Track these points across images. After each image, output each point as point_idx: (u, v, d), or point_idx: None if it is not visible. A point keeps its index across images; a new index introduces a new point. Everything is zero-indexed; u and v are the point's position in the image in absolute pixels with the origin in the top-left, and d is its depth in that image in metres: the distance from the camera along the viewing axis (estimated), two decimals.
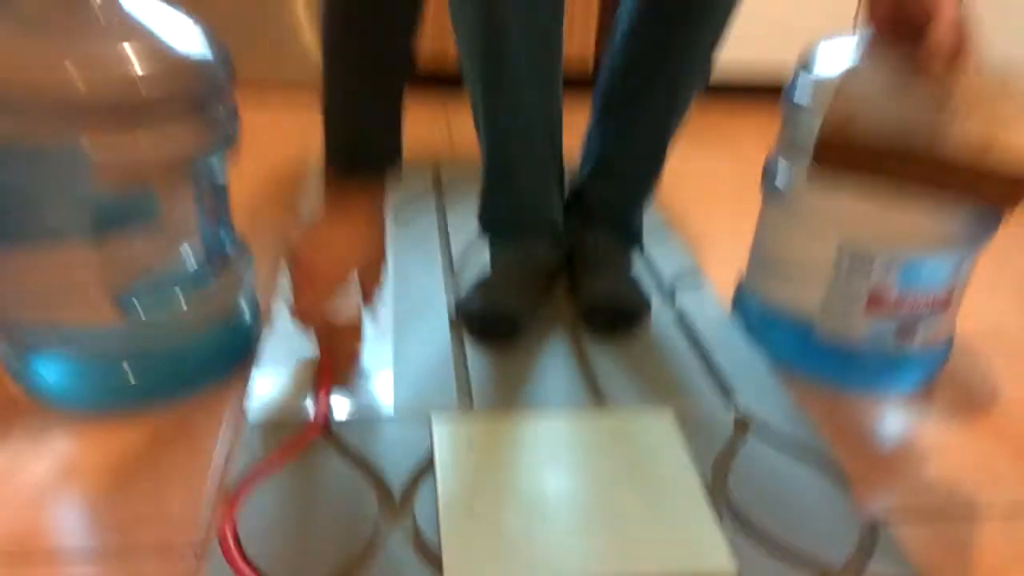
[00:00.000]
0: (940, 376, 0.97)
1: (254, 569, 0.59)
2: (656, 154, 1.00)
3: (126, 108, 0.69)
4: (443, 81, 1.89)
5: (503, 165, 0.96)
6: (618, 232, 1.04)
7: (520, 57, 0.85)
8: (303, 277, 0.77)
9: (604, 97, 0.99)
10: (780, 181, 0.91)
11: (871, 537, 0.68)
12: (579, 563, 0.62)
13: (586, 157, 1.04)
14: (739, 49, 1.96)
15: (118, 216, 0.74)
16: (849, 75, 0.74)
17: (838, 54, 0.84)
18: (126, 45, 0.69)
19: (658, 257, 1.15)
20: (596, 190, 1.03)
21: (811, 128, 0.80)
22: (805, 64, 0.87)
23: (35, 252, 0.73)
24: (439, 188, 1.36)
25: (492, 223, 1.03)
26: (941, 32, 0.64)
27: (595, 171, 1.02)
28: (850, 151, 0.68)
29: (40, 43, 0.68)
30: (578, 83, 1.38)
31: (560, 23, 0.89)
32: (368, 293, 0.82)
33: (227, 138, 0.80)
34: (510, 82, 0.87)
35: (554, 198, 1.02)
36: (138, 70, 0.69)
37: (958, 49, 0.66)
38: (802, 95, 0.86)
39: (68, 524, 0.66)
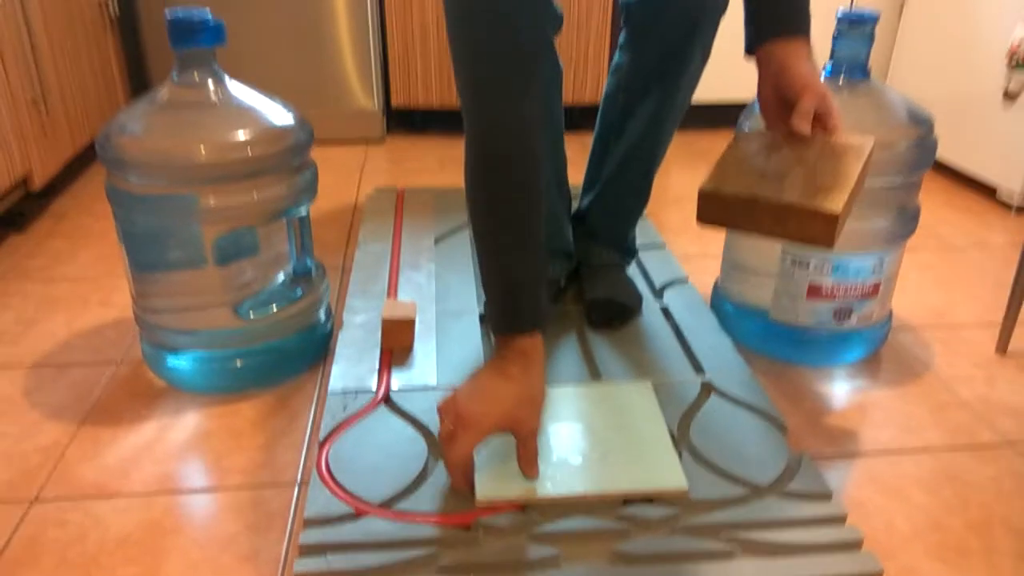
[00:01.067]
0: (881, 352, 1.18)
1: (342, 488, 0.85)
2: (644, 185, 1.23)
3: (234, 169, 0.96)
4: None
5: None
6: (616, 247, 1.28)
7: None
8: (458, 425, 0.79)
9: (600, 140, 1.24)
10: None
11: (796, 465, 0.90)
12: (571, 481, 0.86)
13: (587, 188, 1.28)
14: (720, 79, 2.21)
15: (234, 249, 1.01)
16: (730, 144, 0.86)
17: None
18: (233, 120, 0.97)
19: (651, 266, 1.38)
20: (596, 215, 1.27)
21: None
22: (747, 114, 1.11)
23: (174, 276, 1.01)
24: None
25: None
26: (806, 101, 0.83)
27: (595, 200, 1.27)
28: (721, 206, 0.78)
29: (171, 120, 0.96)
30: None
31: (560, 89, 1.15)
32: (526, 455, 0.83)
33: (310, 189, 1.07)
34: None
35: (564, 225, 1.26)
36: (242, 139, 0.96)
37: (822, 115, 0.84)
38: None
39: (204, 471, 0.93)
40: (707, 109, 2.24)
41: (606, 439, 0.92)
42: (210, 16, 0.96)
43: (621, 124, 1.19)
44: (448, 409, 0.81)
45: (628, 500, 0.84)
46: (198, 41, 0.96)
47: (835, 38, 1.05)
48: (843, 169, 0.79)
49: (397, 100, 2.15)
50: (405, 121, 2.27)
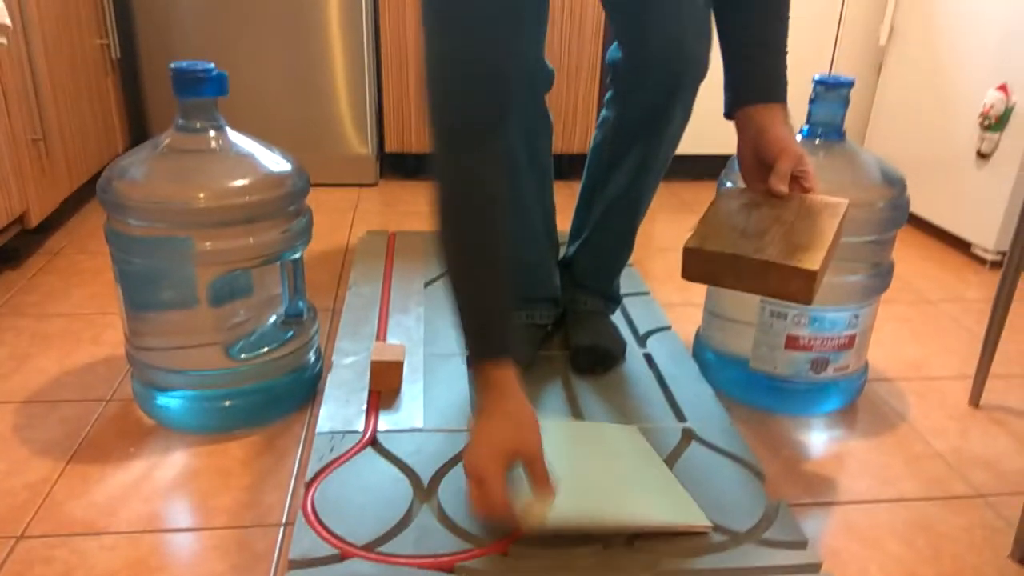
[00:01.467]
0: (857, 402, 1.21)
1: (327, 529, 0.86)
2: (628, 234, 1.27)
3: (232, 214, 0.99)
4: None
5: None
6: (601, 294, 1.32)
7: (524, 168, 1.15)
8: (474, 483, 0.80)
9: (586, 190, 1.28)
10: None
11: (773, 513, 0.92)
12: (593, 514, 0.86)
13: (573, 236, 1.32)
14: (705, 133, 2.28)
15: (227, 291, 1.04)
16: (713, 202, 0.91)
17: None
18: (232, 167, 1.00)
19: (636, 314, 1.42)
20: (582, 263, 1.31)
21: None
22: (728, 171, 1.16)
23: (168, 315, 1.03)
24: None
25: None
26: (783, 163, 0.88)
27: (580, 248, 1.30)
28: (704, 262, 0.81)
29: (172, 166, 0.99)
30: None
31: (550, 139, 1.19)
32: (537, 476, 0.82)
33: (304, 234, 1.10)
34: (515, 186, 1.17)
35: (551, 272, 1.29)
36: (240, 185, 0.99)
37: (799, 176, 0.89)
38: None
39: (191, 510, 0.94)
40: (692, 161, 2.30)
41: (607, 473, 0.94)
42: (214, 68, 1.00)
43: (606, 175, 1.23)
44: (466, 472, 0.83)
45: (640, 535, 0.86)
46: (201, 91, 0.99)
47: (812, 101, 1.10)
48: (819, 228, 0.83)
49: (391, 145, 2.20)
50: (398, 165, 2.31)
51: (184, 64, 0.99)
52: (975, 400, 1.23)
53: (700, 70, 1.10)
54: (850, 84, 1.07)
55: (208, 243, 0.99)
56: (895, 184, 1.09)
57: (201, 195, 0.97)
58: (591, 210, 1.27)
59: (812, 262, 0.77)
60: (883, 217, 1.07)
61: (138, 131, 2.13)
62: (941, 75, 1.87)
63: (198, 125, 1.01)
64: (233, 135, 1.04)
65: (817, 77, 1.09)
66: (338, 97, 2.09)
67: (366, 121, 2.12)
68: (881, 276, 1.12)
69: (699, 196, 2.21)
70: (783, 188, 0.87)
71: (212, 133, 1.02)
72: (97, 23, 1.88)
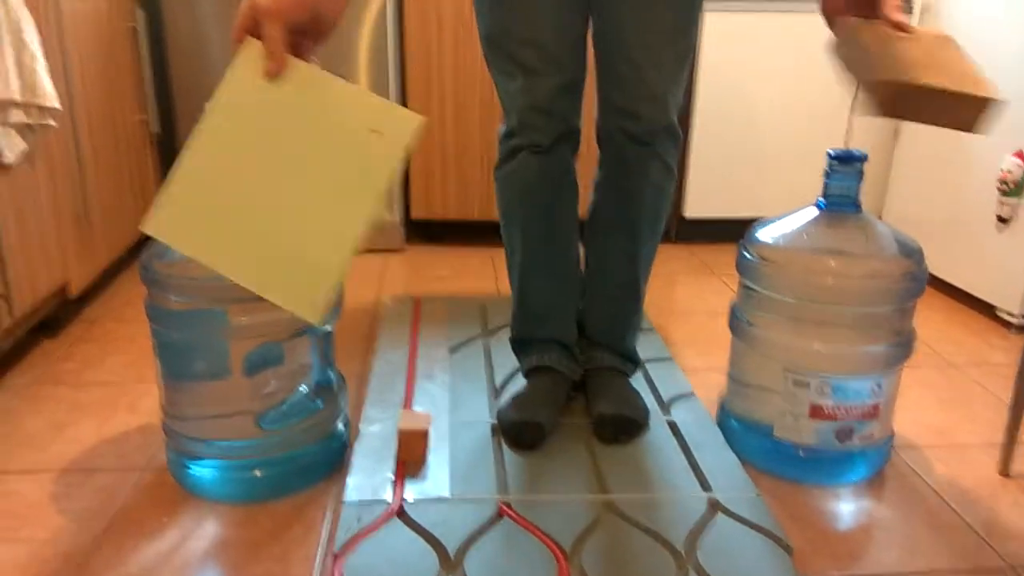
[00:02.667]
0: (884, 471, 1.21)
1: None
2: (631, 289, 1.29)
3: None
4: (491, 233, 2.27)
5: (527, 298, 1.29)
6: (615, 354, 1.33)
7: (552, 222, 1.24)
8: (258, 15, 0.79)
9: (587, 246, 1.32)
10: (740, 322, 1.20)
11: None
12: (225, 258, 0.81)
13: (582, 294, 1.34)
14: (723, 195, 2.32)
15: (260, 361, 1.07)
16: (853, 34, 0.90)
17: (772, 233, 1.16)
18: None
19: (659, 379, 1.43)
20: (591, 319, 1.33)
21: (753, 289, 1.11)
22: (747, 241, 1.18)
23: (203, 385, 1.07)
24: (486, 327, 1.68)
25: (519, 338, 1.34)
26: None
27: (588, 304, 1.33)
28: (892, 95, 0.85)
29: None
30: None
31: (575, 202, 1.26)
32: (273, 46, 0.79)
33: (336, 307, 1.13)
34: (538, 239, 1.23)
35: (567, 315, 1.32)
36: None
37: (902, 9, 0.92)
38: (744, 268, 1.17)
39: None
40: (712, 224, 2.33)
41: (302, 195, 0.81)
42: None
43: (602, 230, 1.28)
44: (246, 7, 0.79)
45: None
46: None
47: (827, 175, 1.13)
48: (962, 60, 0.87)
49: (417, 212, 2.26)
50: (423, 231, 2.37)
51: None
52: (1004, 469, 1.22)
53: (662, 133, 1.19)
54: (863, 158, 1.10)
55: (243, 317, 1.02)
56: (913, 255, 1.10)
57: None
58: (589, 268, 1.32)
59: (990, 91, 0.84)
60: (902, 288, 1.08)
61: None
62: (958, 140, 1.90)
63: None
64: None
65: (831, 152, 1.12)
66: None
67: (393, 189, 2.18)
68: (903, 345, 1.12)
69: (719, 259, 2.23)
70: (902, 16, 0.90)
71: None
72: (138, 100, 1.97)
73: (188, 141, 0.81)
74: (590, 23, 1.18)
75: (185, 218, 0.80)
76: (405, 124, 0.80)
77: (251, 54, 0.80)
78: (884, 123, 2.25)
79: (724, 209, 2.31)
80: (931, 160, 2.01)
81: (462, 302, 1.83)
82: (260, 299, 1.02)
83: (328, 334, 1.16)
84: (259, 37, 0.80)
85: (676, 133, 1.21)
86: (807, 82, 2.20)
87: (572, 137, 1.23)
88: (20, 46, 1.32)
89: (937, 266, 1.96)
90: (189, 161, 0.81)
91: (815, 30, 2.19)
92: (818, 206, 1.15)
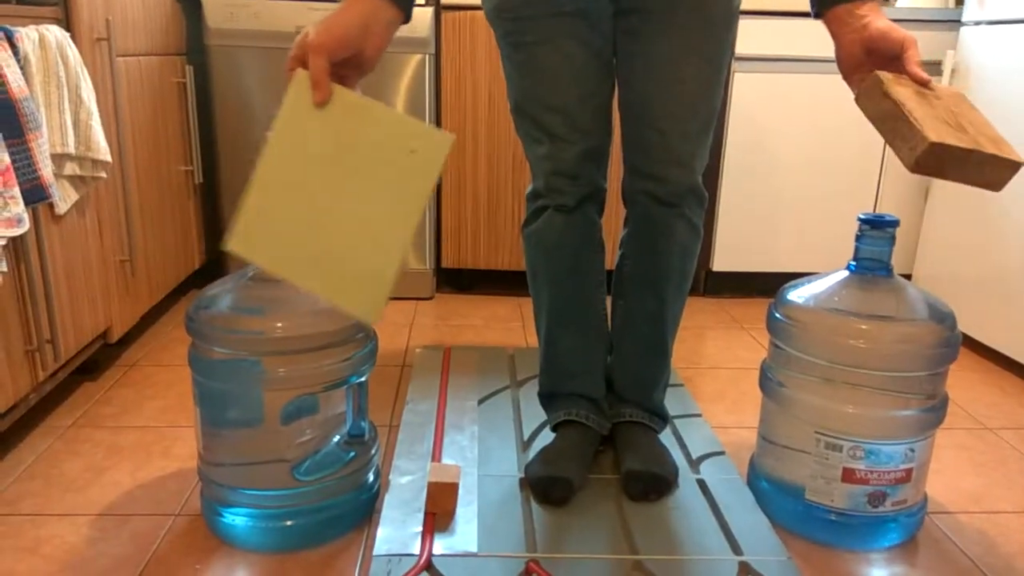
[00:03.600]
0: (918, 537, 1.19)
1: None
2: (657, 346, 1.30)
3: (304, 343, 1.06)
4: (520, 282, 2.29)
5: (554, 353, 1.31)
6: (643, 410, 1.34)
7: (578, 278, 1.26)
8: (306, 50, 0.88)
9: (614, 305, 1.33)
10: (770, 382, 1.20)
11: None
12: (286, 262, 0.89)
13: (609, 350, 1.36)
14: (749, 249, 2.33)
15: (296, 411, 1.09)
16: (892, 93, 0.92)
17: (802, 294, 1.16)
18: (306, 297, 1.08)
19: (688, 436, 1.43)
20: (618, 375, 1.34)
21: (784, 350, 1.12)
22: (778, 302, 1.19)
23: (241, 433, 1.09)
24: (514, 377, 1.69)
25: (547, 393, 1.35)
26: (914, 50, 0.92)
27: (615, 360, 1.34)
28: (939, 156, 0.88)
29: (253, 297, 1.07)
30: None
31: (602, 250, 1.30)
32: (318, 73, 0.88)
33: (370, 358, 1.16)
34: (565, 296, 1.25)
35: (595, 369, 1.32)
36: (312, 315, 1.06)
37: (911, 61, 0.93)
38: (774, 329, 1.18)
39: None
40: (739, 277, 2.34)
41: (348, 210, 0.90)
42: None
43: (628, 288, 1.30)
44: (298, 43, 0.89)
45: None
46: None
47: (858, 238, 1.14)
48: (982, 119, 0.93)
49: (447, 262, 2.30)
50: (453, 280, 2.40)
51: None
52: None
53: (688, 194, 1.21)
54: (895, 223, 1.11)
55: (281, 370, 1.05)
56: (945, 320, 1.10)
57: (278, 325, 1.04)
58: (620, 323, 1.33)
59: (1015, 154, 0.89)
60: (935, 353, 1.08)
61: (213, 248, 2.27)
62: (989, 198, 1.90)
63: None
64: None
65: (863, 216, 1.13)
66: None
67: (425, 239, 2.23)
68: (936, 410, 1.12)
69: (748, 312, 2.23)
70: (926, 75, 0.92)
71: None
72: (184, 151, 2.04)
73: (256, 167, 0.89)
74: (615, 89, 1.22)
75: (259, 235, 0.89)
76: (440, 143, 0.89)
77: (302, 84, 0.89)
78: (914, 182, 2.26)
79: (752, 263, 2.32)
80: (961, 219, 2.01)
81: (491, 352, 1.84)
82: (297, 351, 1.06)
83: (362, 384, 1.18)
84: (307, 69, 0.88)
85: (702, 194, 1.23)
86: (837, 140, 2.22)
87: (598, 197, 1.26)
88: (78, 102, 1.38)
89: (970, 326, 1.95)
90: (258, 184, 0.89)
91: (846, 90, 2.22)
92: (849, 269, 1.16)
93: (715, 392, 1.71)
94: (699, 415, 1.53)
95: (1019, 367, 1.84)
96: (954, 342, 1.10)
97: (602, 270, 1.30)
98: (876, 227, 1.12)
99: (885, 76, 0.93)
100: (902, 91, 0.92)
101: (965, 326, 1.99)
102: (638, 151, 1.20)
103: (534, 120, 1.20)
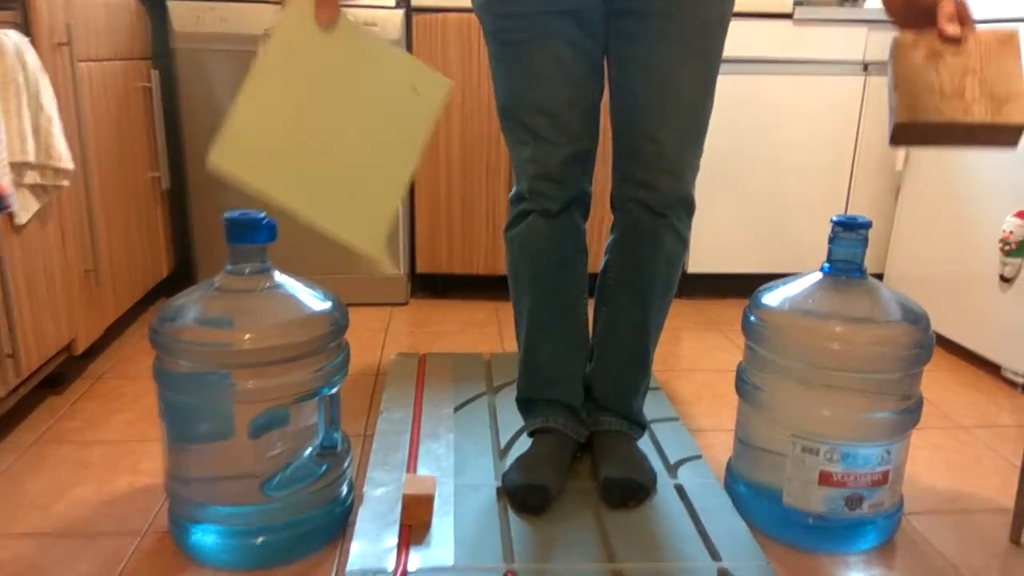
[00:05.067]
0: (895, 539, 1.19)
1: None
2: (639, 356, 1.29)
3: (274, 355, 1.03)
4: (495, 286, 2.28)
5: (534, 359, 1.30)
6: (622, 419, 1.32)
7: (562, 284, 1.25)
8: None
9: (596, 312, 1.32)
10: (746, 385, 1.20)
11: None
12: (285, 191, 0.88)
13: (589, 358, 1.34)
14: (726, 251, 2.34)
15: (265, 424, 1.06)
16: (897, 61, 0.93)
17: (776, 297, 1.16)
18: (277, 310, 1.05)
19: (665, 440, 1.42)
20: (598, 383, 1.33)
21: (760, 353, 1.11)
22: (753, 305, 1.19)
23: (208, 447, 1.06)
24: (491, 384, 1.68)
25: (526, 399, 1.34)
26: (947, 4, 0.89)
27: (595, 368, 1.33)
28: (914, 132, 0.89)
29: (220, 308, 1.04)
30: None
31: (585, 257, 1.28)
32: None
33: (342, 368, 1.14)
34: (546, 301, 1.24)
35: (574, 376, 1.31)
36: (281, 326, 1.04)
37: (963, 15, 0.91)
38: (750, 332, 1.17)
39: None
40: (715, 279, 2.34)
41: (351, 143, 0.89)
42: (264, 216, 1.07)
43: (611, 296, 1.28)
44: None
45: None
46: (252, 239, 1.06)
47: (831, 240, 1.14)
48: (1008, 69, 0.88)
49: (422, 267, 2.28)
50: (428, 284, 2.38)
51: (237, 214, 1.05)
52: (1015, 536, 1.20)
53: (679, 204, 1.20)
54: (867, 225, 1.11)
55: (250, 382, 1.03)
56: (919, 322, 1.11)
57: (246, 337, 1.01)
58: (602, 330, 1.31)
59: (1019, 114, 0.86)
60: (909, 355, 1.08)
61: (183, 255, 2.23)
62: (959, 200, 1.92)
63: (247, 270, 1.07)
64: (279, 277, 1.10)
65: (835, 218, 1.13)
66: None
67: (399, 243, 2.20)
68: (911, 411, 1.12)
69: (724, 314, 2.23)
70: (955, 29, 0.89)
71: (260, 277, 1.07)
72: (150, 157, 2.00)
73: (244, 82, 0.86)
74: (605, 92, 1.20)
75: (246, 152, 0.86)
76: (439, 86, 0.89)
77: (303, 1, 0.86)
78: (885, 183, 2.28)
79: (727, 264, 2.32)
80: (932, 219, 2.03)
81: (467, 358, 1.83)
82: (267, 363, 1.03)
83: (334, 395, 1.16)
84: None
85: (692, 204, 1.22)
86: (809, 142, 2.23)
87: (582, 201, 1.24)
88: (37, 109, 1.35)
89: (941, 324, 1.96)
90: (246, 100, 0.86)
91: (818, 92, 2.23)
92: (823, 271, 1.15)
93: (692, 395, 1.71)
94: (676, 419, 1.53)
95: (991, 365, 1.86)
96: (928, 343, 1.11)
97: (585, 275, 1.29)
98: (849, 229, 1.12)
99: (900, 41, 0.93)
100: (907, 58, 0.92)
101: (937, 325, 2.00)
102: (631, 158, 1.19)
103: (520, 121, 1.18)
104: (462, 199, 2.22)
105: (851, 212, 2.29)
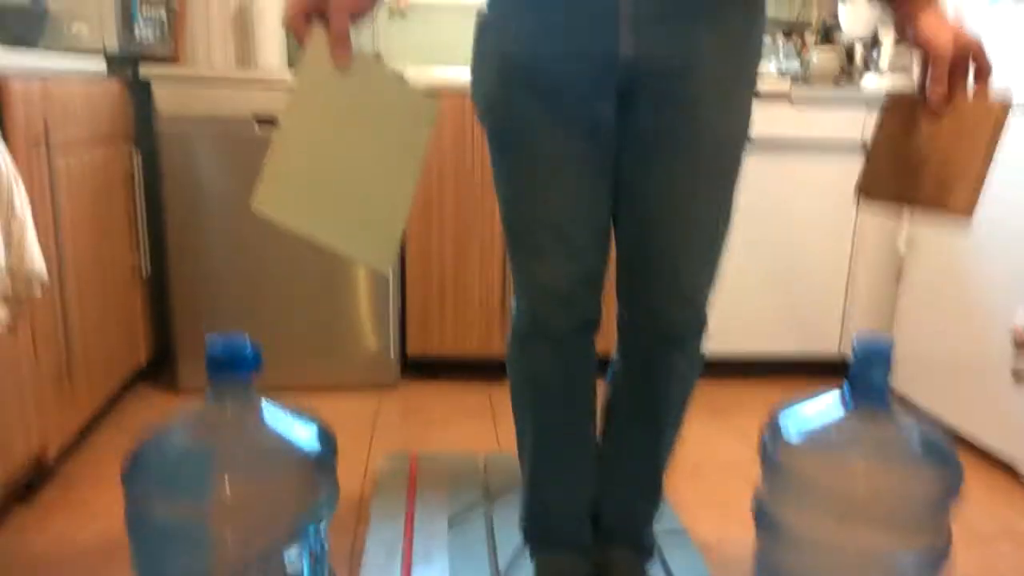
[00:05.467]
0: None
1: None
2: (651, 482, 1.22)
3: (255, 504, 0.95)
4: (488, 369, 2.20)
5: (538, 491, 1.21)
6: (630, 548, 1.24)
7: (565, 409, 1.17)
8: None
9: (604, 442, 1.23)
10: (766, 518, 1.12)
11: None
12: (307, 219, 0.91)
13: (597, 483, 1.26)
14: (739, 332, 2.27)
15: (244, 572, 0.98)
16: (881, 124, 0.97)
17: (796, 427, 1.09)
18: (258, 455, 0.97)
19: (673, 562, 1.34)
20: (607, 514, 1.24)
21: (782, 490, 1.04)
22: (771, 438, 1.12)
23: None
24: (487, 490, 1.59)
25: (531, 533, 1.25)
26: (937, 67, 0.84)
27: (604, 499, 1.24)
28: (873, 200, 0.96)
29: (197, 454, 0.96)
30: None
31: (593, 380, 1.18)
32: (335, 27, 0.88)
33: (328, 506, 1.05)
34: (551, 432, 1.16)
35: (581, 514, 1.23)
36: (263, 477, 0.96)
37: (962, 71, 0.85)
38: (769, 465, 1.10)
39: None
40: (725, 364, 2.28)
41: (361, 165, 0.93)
42: (248, 345, 0.99)
43: (614, 425, 1.21)
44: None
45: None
46: (235, 370, 0.98)
47: (852, 367, 1.07)
48: (976, 149, 0.87)
49: (413, 349, 2.20)
50: (418, 366, 2.30)
51: (219, 346, 0.98)
52: None
53: (688, 331, 1.12)
54: (889, 352, 1.05)
55: (229, 532, 0.94)
56: (948, 462, 1.04)
57: (228, 489, 0.93)
58: (610, 456, 1.23)
59: (958, 205, 0.87)
60: (939, 498, 1.02)
61: (161, 343, 2.14)
62: (965, 284, 1.87)
63: (228, 411, 0.99)
64: (266, 409, 1.02)
65: (857, 344, 1.06)
66: (359, 301, 2.11)
67: (388, 323, 2.13)
68: (938, 557, 1.05)
69: (722, 397, 2.16)
70: (937, 95, 0.87)
71: (242, 415, 0.99)
72: (130, 242, 1.93)
73: (278, 126, 0.90)
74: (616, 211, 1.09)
75: (282, 194, 0.91)
76: (428, 106, 0.95)
77: (319, 43, 0.90)
78: (886, 262, 2.23)
79: (724, 343, 2.26)
80: (938, 305, 1.98)
81: (461, 461, 1.73)
82: (245, 511, 0.95)
83: (321, 545, 1.07)
84: (325, 25, 0.88)
85: (705, 323, 1.13)
86: (807, 220, 2.19)
87: (592, 327, 1.15)
88: (10, 215, 1.27)
89: (948, 417, 1.90)
90: (280, 145, 0.90)
91: (817, 171, 2.17)
92: (844, 399, 1.09)
93: (698, 500, 1.63)
94: (683, 532, 1.45)
95: (1003, 463, 1.79)
96: (957, 482, 1.04)
97: (594, 399, 1.20)
98: (872, 356, 1.05)
99: (888, 101, 0.96)
100: (886, 122, 0.96)
101: (941, 413, 1.94)
102: (640, 283, 1.08)
103: (522, 237, 1.08)
104: (455, 278, 2.16)
105: (852, 293, 2.25)
